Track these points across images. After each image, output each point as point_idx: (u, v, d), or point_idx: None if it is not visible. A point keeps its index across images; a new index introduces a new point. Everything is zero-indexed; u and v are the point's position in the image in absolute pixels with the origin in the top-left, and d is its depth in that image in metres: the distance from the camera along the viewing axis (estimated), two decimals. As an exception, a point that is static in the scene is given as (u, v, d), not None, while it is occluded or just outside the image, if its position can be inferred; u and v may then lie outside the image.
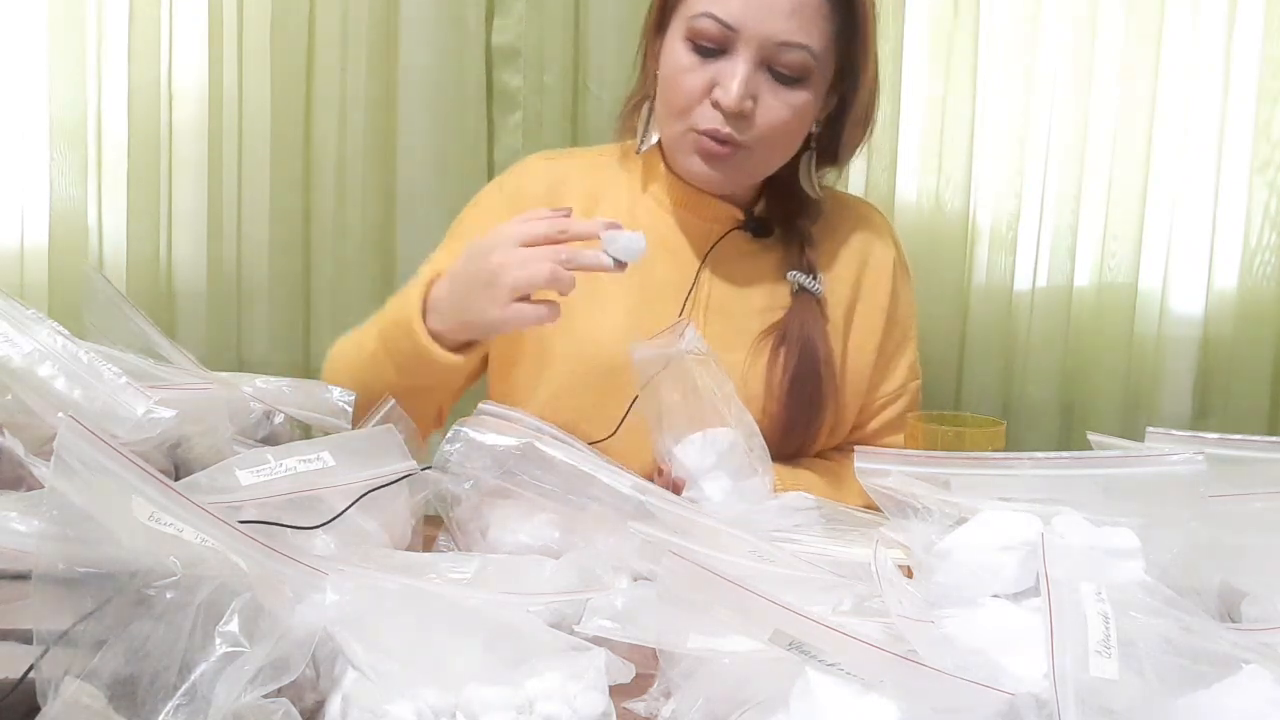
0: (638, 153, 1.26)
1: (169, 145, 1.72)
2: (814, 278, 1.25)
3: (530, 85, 1.80)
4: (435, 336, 1.11)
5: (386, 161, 1.80)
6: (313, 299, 1.82)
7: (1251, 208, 1.94)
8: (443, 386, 1.19)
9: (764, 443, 1.07)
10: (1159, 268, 1.97)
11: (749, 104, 1.14)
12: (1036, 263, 1.95)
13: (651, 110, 1.24)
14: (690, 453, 1.03)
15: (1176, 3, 1.89)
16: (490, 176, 1.74)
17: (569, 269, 1.01)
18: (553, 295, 1.04)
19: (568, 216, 1.04)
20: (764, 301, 1.25)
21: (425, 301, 1.12)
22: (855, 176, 1.89)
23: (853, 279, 1.29)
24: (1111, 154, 1.93)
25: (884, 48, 1.86)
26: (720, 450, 1.03)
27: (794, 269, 1.25)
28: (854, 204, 1.37)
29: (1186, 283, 1.98)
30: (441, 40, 1.79)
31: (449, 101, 1.80)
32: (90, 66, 1.67)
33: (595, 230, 1.02)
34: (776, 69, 1.15)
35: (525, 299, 1.03)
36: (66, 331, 0.88)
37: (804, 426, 1.23)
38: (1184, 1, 1.89)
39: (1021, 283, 1.96)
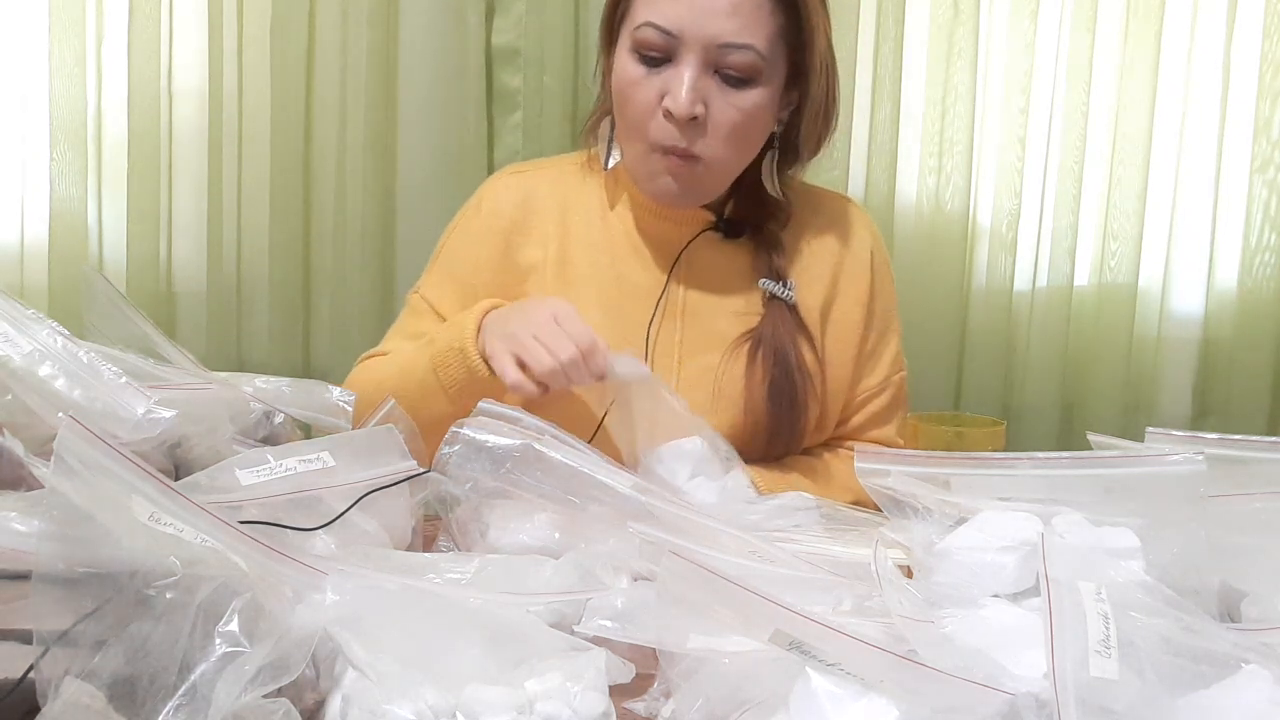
0: (605, 169, 1.26)
1: (169, 145, 1.72)
2: (785, 284, 1.24)
3: (530, 85, 1.81)
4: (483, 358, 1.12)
5: (386, 161, 1.80)
6: (313, 299, 1.82)
7: (1251, 208, 1.95)
8: None
9: (728, 444, 1.09)
10: (1159, 268, 1.97)
11: (700, 109, 1.14)
12: (1036, 263, 1.96)
13: (612, 125, 1.24)
14: (667, 465, 1.03)
15: (1176, 2, 1.89)
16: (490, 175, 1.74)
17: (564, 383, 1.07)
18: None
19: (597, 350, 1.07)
20: (738, 305, 1.25)
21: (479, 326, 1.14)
22: (855, 176, 1.89)
23: (829, 276, 1.28)
24: (1111, 154, 1.93)
25: (884, 47, 1.86)
26: (696, 458, 1.04)
27: (765, 275, 1.24)
28: (829, 199, 1.35)
29: (1186, 283, 1.98)
30: (441, 40, 1.79)
31: (449, 101, 1.80)
32: (90, 66, 1.67)
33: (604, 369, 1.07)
34: (724, 71, 1.14)
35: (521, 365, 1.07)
36: (66, 331, 0.88)
37: (787, 430, 1.23)
38: (1184, 1, 1.89)
39: (1021, 283, 1.96)
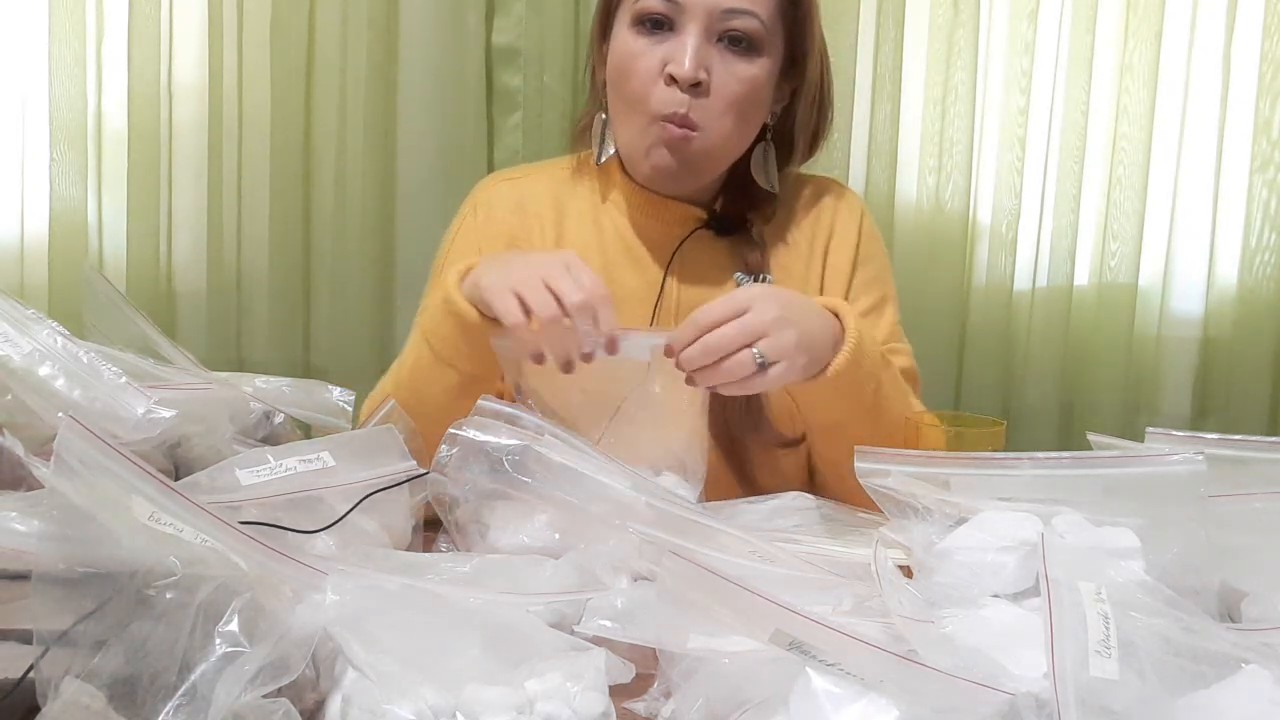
0: (597, 163, 1.25)
1: (169, 145, 1.72)
2: (760, 279, 1.23)
3: (530, 85, 1.81)
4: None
5: (387, 161, 1.80)
6: (313, 299, 1.82)
7: (1251, 208, 1.95)
8: (492, 371, 1.12)
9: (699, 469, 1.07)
10: (1159, 268, 1.97)
11: (703, 75, 1.14)
12: (1036, 263, 1.96)
13: (605, 123, 1.23)
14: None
15: (1176, 2, 1.89)
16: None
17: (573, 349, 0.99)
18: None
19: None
20: None
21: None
22: (855, 176, 1.89)
23: (819, 258, 1.28)
24: (1111, 154, 1.93)
25: (884, 47, 1.86)
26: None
27: (740, 270, 1.23)
28: (816, 182, 1.34)
29: (1186, 283, 1.98)
30: (441, 40, 1.79)
31: (449, 101, 1.80)
32: (90, 66, 1.67)
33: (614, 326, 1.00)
34: (726, 38, 1.15)
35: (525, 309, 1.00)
36: (66, 331, 0.88)
37: (753, 429, 1.21)
38: (1184, 1, 1.89)
39: (1021, 283, 1.96)
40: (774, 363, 0.99)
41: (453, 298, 1.07)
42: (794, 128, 1.25)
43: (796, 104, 1.24)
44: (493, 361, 1.08)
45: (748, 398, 1.18)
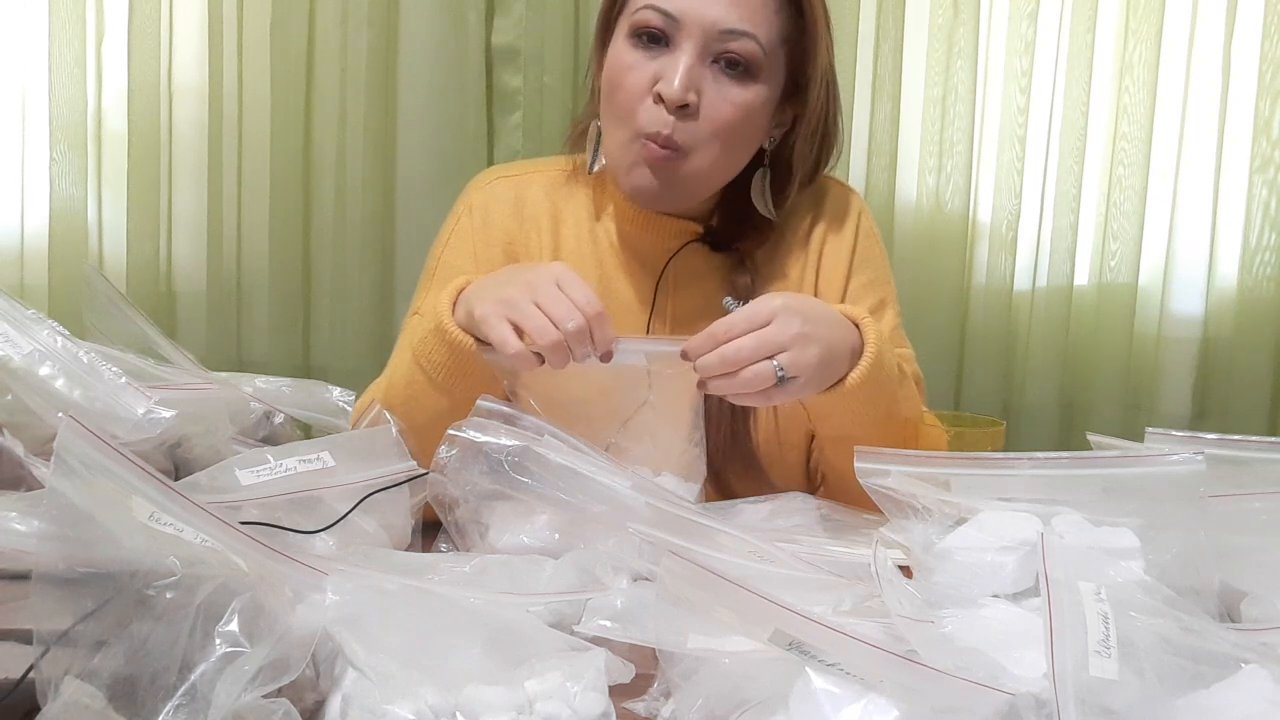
0: (590, 172, 1.22)
1: (169, 145, 1.72)
2: (745, 304, 1.17)
3: (530, 85, 1.81)
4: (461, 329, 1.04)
5: (386, 162, 1.81)
6: (313, 299, 1.82)
7: (1251, 208, 1.95)
8: (490, 391, 1.08)
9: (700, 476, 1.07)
10: (1159, 268, 1.97)
11: (693, 97, 1.10)
12: (1036, 263, 1.96)
13: (600, 131, 1.19)
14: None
15: (1176, 2, 1.89)
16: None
17: (571, 357, 0.97)
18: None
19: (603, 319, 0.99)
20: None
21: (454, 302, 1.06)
22: (855, 176, 1.89)
23: (813, 264, 1.26)
24: (1111, 154, 1.93)
25: (884, 47, 1.87)
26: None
27: (730, 295, 1.20)
28: (814, 185, 1.29)
29: (1186, 283, 1.98)
30: (441, 40, 1.79)
31: (449, 101, 1.81)
32: (90, 66, 1.67)
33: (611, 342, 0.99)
34: (722, 60, 1.12)
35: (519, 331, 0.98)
36: (66, 331, 0.88)
37: (744, 448, 1.19)
38: (1184, 1, 1.90)
39: (1021, 283, 1.96)
40: (793, 378, 0.97)
41: (446, 326, 1.03)
42: (792, 157, 1.21)
43: (796, 132, 1.20)
44: (488, 385, 1.04)
45: (733, 431, 1.17)
